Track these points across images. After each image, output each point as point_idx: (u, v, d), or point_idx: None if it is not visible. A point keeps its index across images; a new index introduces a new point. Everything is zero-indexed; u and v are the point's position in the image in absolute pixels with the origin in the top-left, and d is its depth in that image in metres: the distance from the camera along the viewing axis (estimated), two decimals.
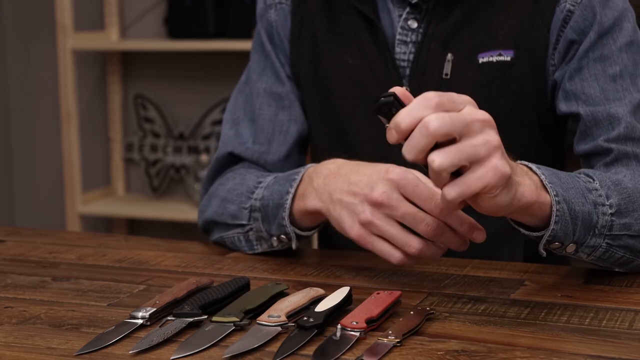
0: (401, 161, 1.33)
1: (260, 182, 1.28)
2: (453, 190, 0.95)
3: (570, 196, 1.07)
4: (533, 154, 1.21)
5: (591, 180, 1.13)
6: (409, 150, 0.95)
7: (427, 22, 1.33)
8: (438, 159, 0.93)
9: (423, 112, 0.94)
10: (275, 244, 1.25)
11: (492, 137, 0.96)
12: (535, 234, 1.08)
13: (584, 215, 1.08)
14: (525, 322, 1.00)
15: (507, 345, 0.93)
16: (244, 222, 1.28)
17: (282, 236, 1.23)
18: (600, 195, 1.11)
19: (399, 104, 0.97)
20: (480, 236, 1.09)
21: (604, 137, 1.25)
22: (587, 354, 0.90)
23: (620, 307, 1.04)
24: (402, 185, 1.09)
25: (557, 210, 1.05)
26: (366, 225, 1.11)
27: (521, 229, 1.09)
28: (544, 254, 1.09)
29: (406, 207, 1.09)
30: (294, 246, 1.23)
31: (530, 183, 1.04)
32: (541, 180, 1.06)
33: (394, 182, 1.10)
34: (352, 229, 1.12)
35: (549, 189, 1.05)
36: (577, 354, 0.90)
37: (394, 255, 1.11)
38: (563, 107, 1.30)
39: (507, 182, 0.97)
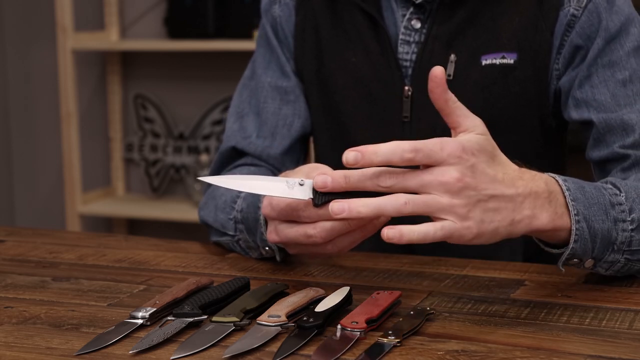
0: None
1: (240, 191, 1.27)
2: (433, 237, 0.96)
3: (591, 214, 1.06)
4: (534, 155, 1.21)
5: (617, 193, 1.11)
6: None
7: (430, 22, 1.33)
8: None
9: (393, 158, 0.95)
10: (264, 253, 1.23)
11: (457, 201, 0.95)
12: (554, 250, 1.08)
13: (603, 232, 1.07)
14: (525, 322, 1.00)
15: (507, 345, 0.93)
16: (232, 232, 1.28)
17: (267, 248, 1.22)
18: (623, 211, 1.09)
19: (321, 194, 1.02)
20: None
21: (619, 144, 1.25)
22: (587, 354, 0.90)
23: (620, 307, 1.04)
24: (278, 216, 1.09)
25: (576, 229, 1.04)
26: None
27: (540, 244, 1.09)
28: (563, 270, 1.10)
29: (288, 233, 1.09)
30: (278, 258, 1.21)
31: (547, 215, 1.01)
32: (565, 200, 1.04)
33: (270, 217, 1.11)
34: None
35: (570, 208, 1.04)
36: (577, 354, 0.90)
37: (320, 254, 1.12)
38: (574, 114, 1.29)
39: (491, 235, 0.98)
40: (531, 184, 1.00)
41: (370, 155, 0.95)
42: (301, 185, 1.03)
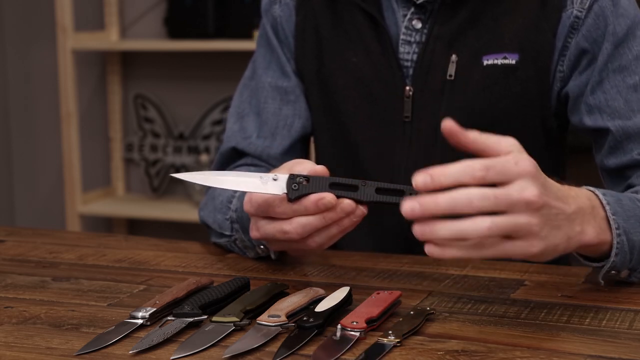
0: (403, 161, 1.33)
1: (236, 191, 1.27)
2: (492, 252, 0.93)
3: (630, 226, 1.07)
4: (535, 156, 1.20)
5: None
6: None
7: (431, 22, 1.33)
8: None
9: (464, 178, 0.91)
10: (260, 252, 1.24)
11: (534, 220, 0.92)
12: (594, 264, 1.08)
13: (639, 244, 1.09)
14: (525, 322, 1.00)
15: (507, 345, 0.93)
16: (228, 233, 1.28)
17: (262, 247, 1.22)
18: None
19: (299, 177, 1.03)
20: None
21: (638, 151, 1.25)
22: (587, 354, 0.90)
23: (620, 307, 1.04)
24: (256, 212, 1.09)
25: (617, 242, 1.05)
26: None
27: (580, 259, 1.09)
28: (602, 283, 1.10)
29: (267, 230, 1.09)
30: (273, 257, 1.21)
31: (593, 230, 1.01)
32: (606, 214, 1.04)
33: (250, 213, 1.11)
34: None
35: (611, 222, 1.04)
36: (577, 354, 0.90)
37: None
38: (588, 121, 1.29)
39: (551, 252, 0.96)
40: (578, 200, 1.00)
41: (439, 178, 0.91)
42: (275, 180, 1.03)
